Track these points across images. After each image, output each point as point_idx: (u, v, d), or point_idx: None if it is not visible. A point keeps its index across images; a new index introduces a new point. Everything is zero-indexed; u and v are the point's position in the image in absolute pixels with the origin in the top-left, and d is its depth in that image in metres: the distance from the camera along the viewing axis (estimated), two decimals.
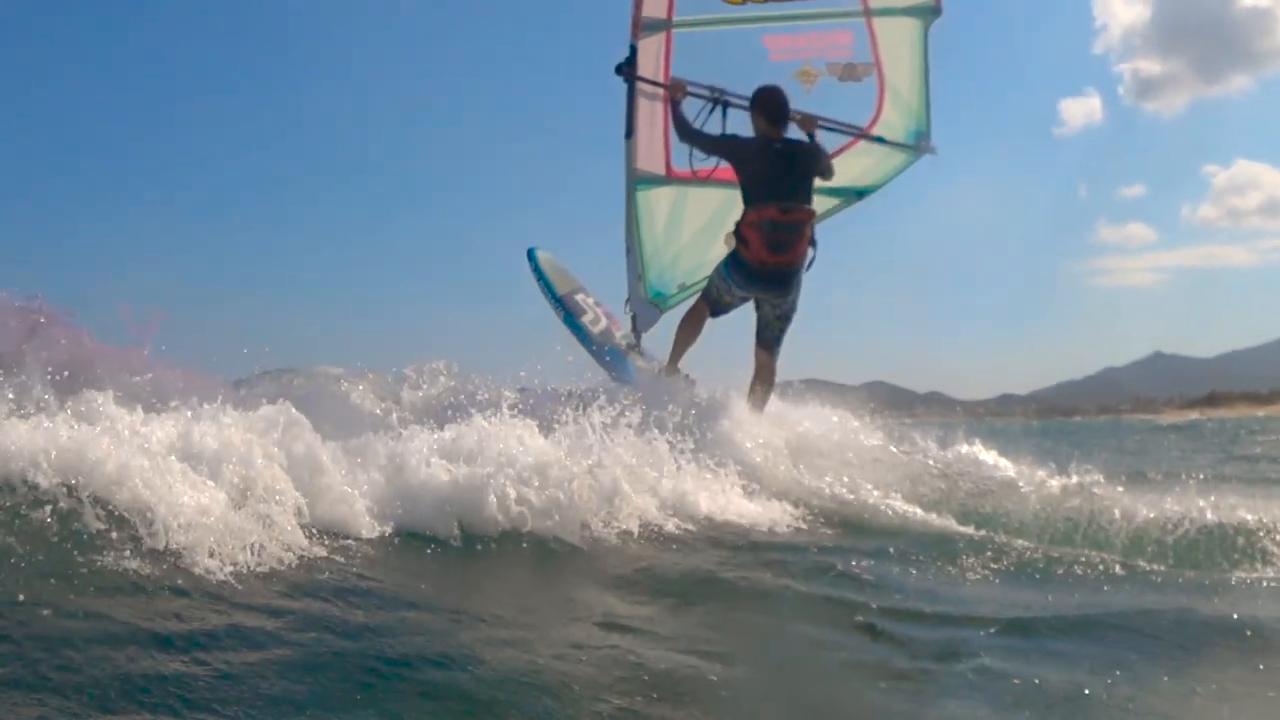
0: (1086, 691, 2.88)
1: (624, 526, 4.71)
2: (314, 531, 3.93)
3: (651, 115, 8.23)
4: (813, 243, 7.51)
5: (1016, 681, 2.92)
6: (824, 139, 7.93)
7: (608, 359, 7.93)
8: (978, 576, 4.48)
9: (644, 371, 7.97)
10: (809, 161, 7.56)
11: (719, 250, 8.07)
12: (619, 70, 8.10)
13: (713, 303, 7.71)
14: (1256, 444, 18.21)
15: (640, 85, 8.09)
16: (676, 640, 3.26)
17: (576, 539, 4.46)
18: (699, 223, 8.47)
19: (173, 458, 3.84)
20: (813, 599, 3.90)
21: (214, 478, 3.84)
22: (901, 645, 3.29)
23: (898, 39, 8.27)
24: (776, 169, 7.41)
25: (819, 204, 7.77)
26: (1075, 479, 6.79)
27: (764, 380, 7.68)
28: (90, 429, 3.90)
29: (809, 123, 7.76)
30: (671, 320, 8.31)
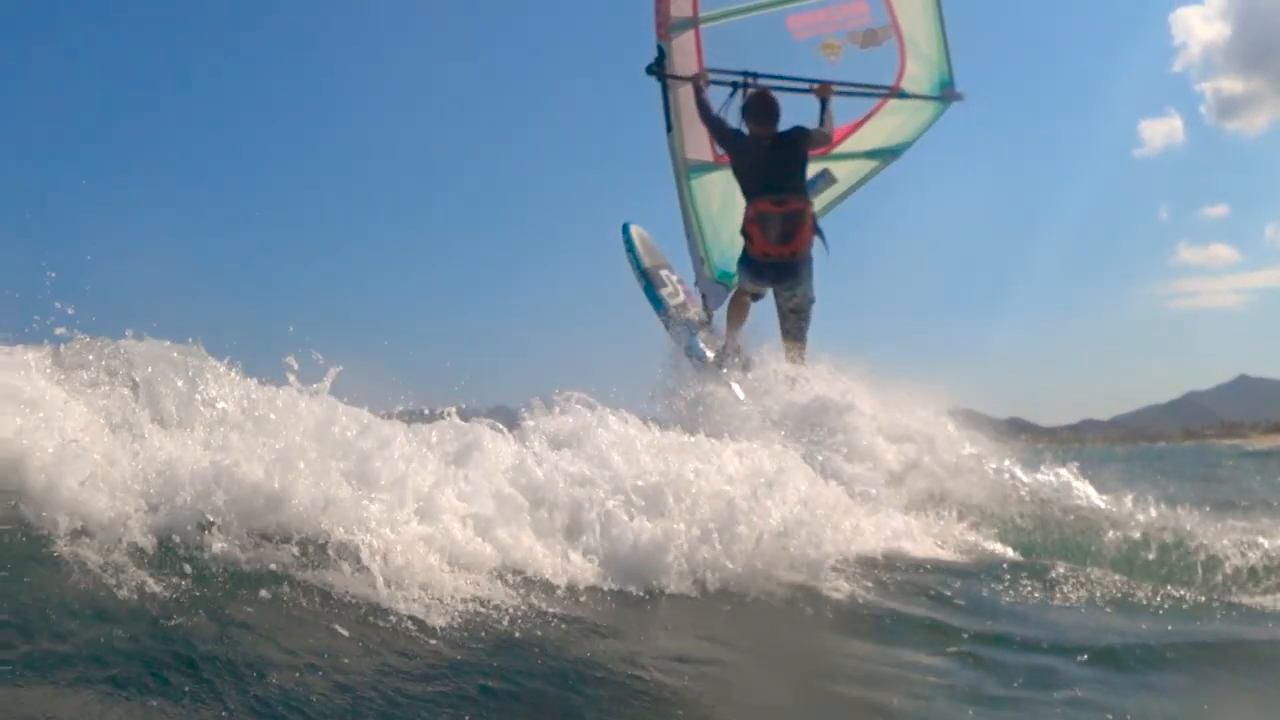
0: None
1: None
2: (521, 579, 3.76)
3: (692, 107, 8.71)
4: (818, 232, 8.11)
5: (1109, 716, 2.95)
6: (852, 106, 8.60)
7: (678, 330, 8.48)
8: (1068, 603, 4.43)
9: (708, 343, 8.48)
10: (793, 148, 8.10)
11: None
12: (650, 70, 8.66)
13: (746, 291, 8.41)
14: None
15: (677, 81, 8.63)
16: (777, 664, 3.36)
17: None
18: None
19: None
20: (907, 622, 3.95)
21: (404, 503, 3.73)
22: (995, 671, 3.31)
23: None
24: (764, 163, 8.06)
25: (855, 169, 8.56)
26: (1163, 507, 6.54)
27: (794, 363, 8.17)
28: None
29: (825, 90, 8.34)
30: None
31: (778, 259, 8.01)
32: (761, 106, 8.25)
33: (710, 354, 8.36)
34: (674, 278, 9.02)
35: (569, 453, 4.65)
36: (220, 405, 4.20)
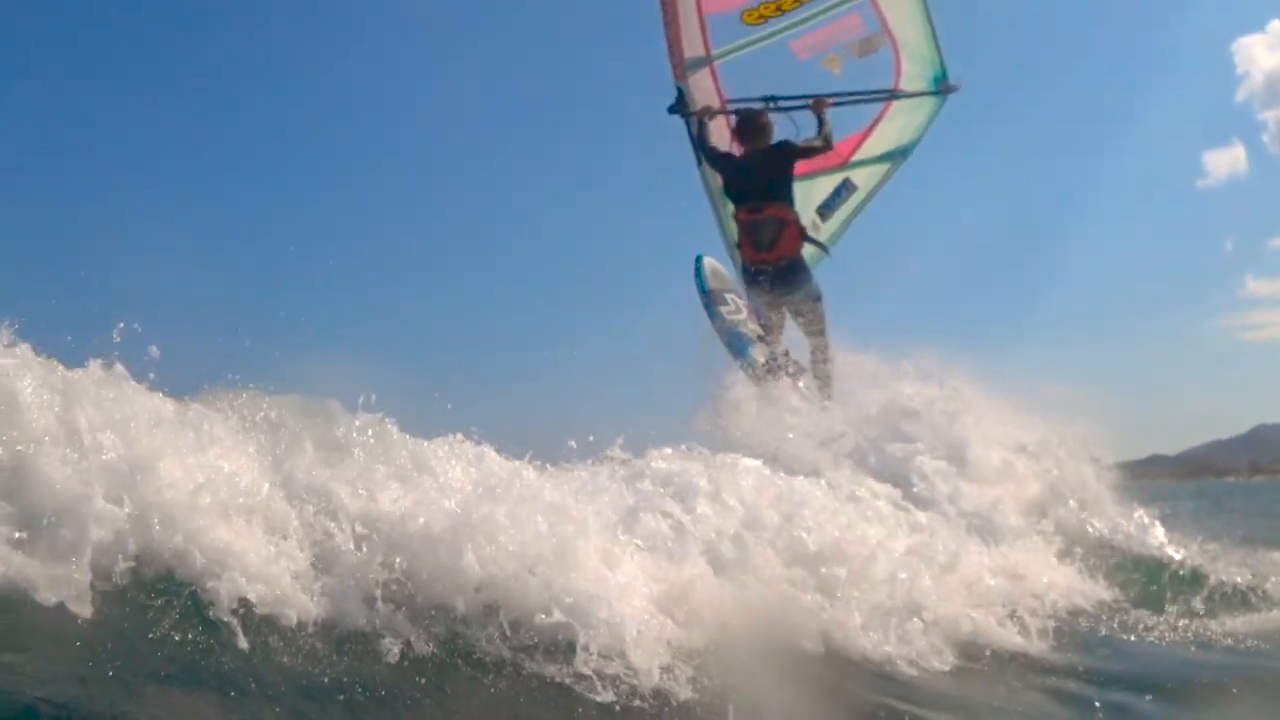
0: None
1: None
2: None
3: (723, 136, 9.50)
4: (805, 237, 8.83)
5: None
6: (856, 114, 9.47)
7: (729, 339, 9.03)
8: (1146, 641, 4.81)
9: (760, 351, 8.95)
10: (771, 163, 8.80)
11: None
12: (672, 110, 9.46)
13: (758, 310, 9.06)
14: None
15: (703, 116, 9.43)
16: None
17: None
18: None
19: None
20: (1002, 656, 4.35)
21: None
22: (1079, 706, 3.76)
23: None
24: (740, 176, 8.85)
25: (870, 174, 9.39)
26: (1229, 547, 6.78)
27: (817, 363, 8.83)
28: None
29: (819, 105, 9.05)
30: None
31: (764, 263, 8.69)
32: (744, 125, 9.04)
33: (761, 360, 8.80)
34: (739, 301, 9.41)
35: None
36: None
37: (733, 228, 9.37)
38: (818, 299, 8.82)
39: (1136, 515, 7.25)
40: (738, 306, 9.43)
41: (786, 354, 8.95)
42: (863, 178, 9.81)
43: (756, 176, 8.81)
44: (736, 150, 9.07)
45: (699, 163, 9.57)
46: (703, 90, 9.57)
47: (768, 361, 8.80)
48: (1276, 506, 17.10)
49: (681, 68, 9.49)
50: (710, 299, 9.33)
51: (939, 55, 9.58)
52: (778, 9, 9.56)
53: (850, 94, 9.35)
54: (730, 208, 9.30)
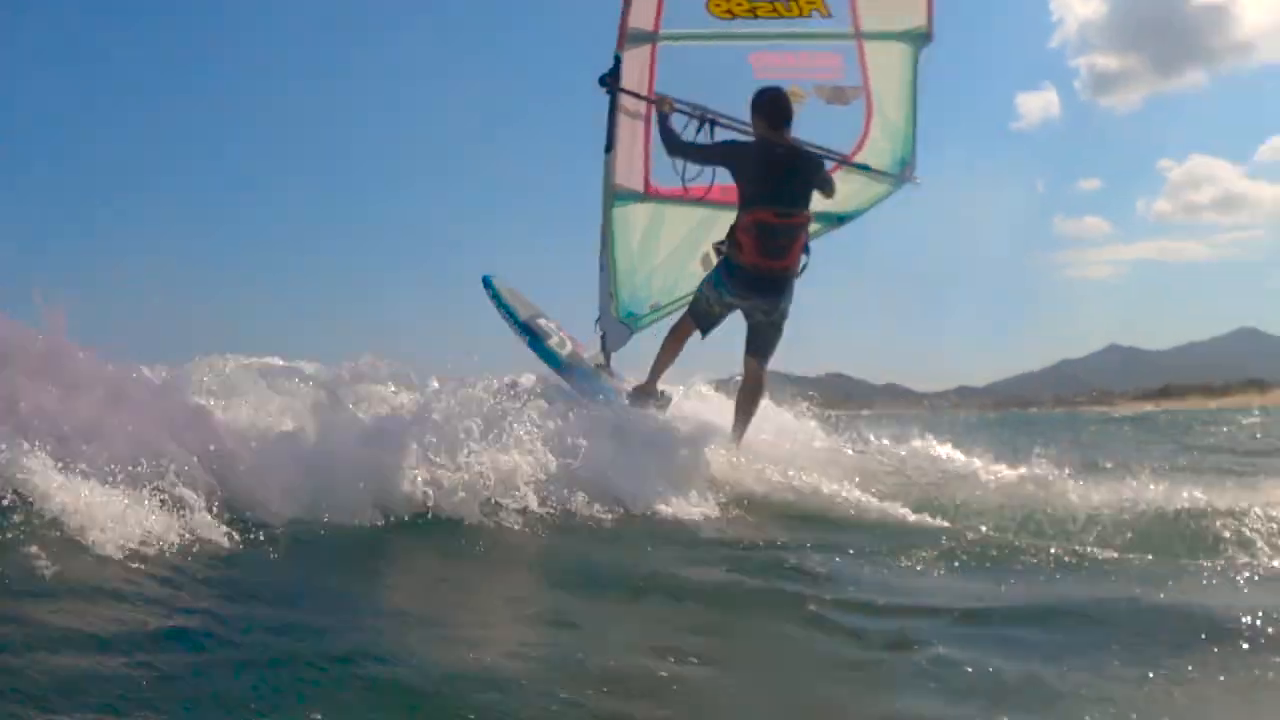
0: (1040, 679, 2.88)
1: (574, 521, 4.98)
2: (233, 519, 4.10)
3: (632, 130, 8.00)
4: (806, 249, 7.34)
5: (970, 670, 2.94)
6: None
7: (579, 380, 7.72)
8: (932, 567, 4.51)
9: (619, 391, 7.76)
10: (811, 171, 7.33)
11: (694, 269, 8.02)
12: (603, 81, 7.82)
13: (700, 317, 7.52)
14: (1209, 435, 18.43)
15: (621, 99, 7.84)
16: (626, 636, 3.26)
17: (514, 531, 4.72)
18: (675, 241, 8.30)
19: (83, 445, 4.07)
20: (765, 593, 3.90)
21: (123, 463, 4.10)
22: (855, 637, 3.29)
23: (888, 64, 8.06)
24: (777, 172, 7.17)
25: None
26: (1030, 469, 6.93)
27: (752, 390, 7.55)
28: None
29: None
30: (642, 338, 8.31)
31: (767, 271, 7.20)
32: (780, 107, 7.31)
33: (625, 400, 7.67)
34: (553, 325, 8.20)
35: None
36: None
37: (631, 243, 8.15)
38: (785, 318, 7.47)
39: (921, 442, 8.11)
40: (560, 336, 8.11)
41: (660, 392, 7.76)
42: None
43: (792, 177, 7.24)
44: (761, 135, 7.37)
45: (608, 148, 7.96)
46: (633, 70, 7.88)
47: (635, 397, 7.66)
48: (1074, 434, 17.69)
49: (624, 37, 7.78)
50: (531, 331, 7.94)
51: (912, 139, 8.22)
52: (751, 10, 7.87)
53: (816, 146, 7.71)
54: (636, 225, 8.14)
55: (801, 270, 7.33)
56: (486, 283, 8.23)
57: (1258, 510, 5.25)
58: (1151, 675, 2.91)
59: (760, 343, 7.46)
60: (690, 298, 7.75)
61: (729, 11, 7.85)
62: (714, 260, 7.57)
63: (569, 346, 8.04)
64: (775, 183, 7.16)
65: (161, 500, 4.06)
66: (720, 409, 7.92)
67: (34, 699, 2.31)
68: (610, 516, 5.47)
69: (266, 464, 4.70)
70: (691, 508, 5.87)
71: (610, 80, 7.79)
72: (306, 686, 2.50)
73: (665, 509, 5.74)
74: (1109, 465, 7.93)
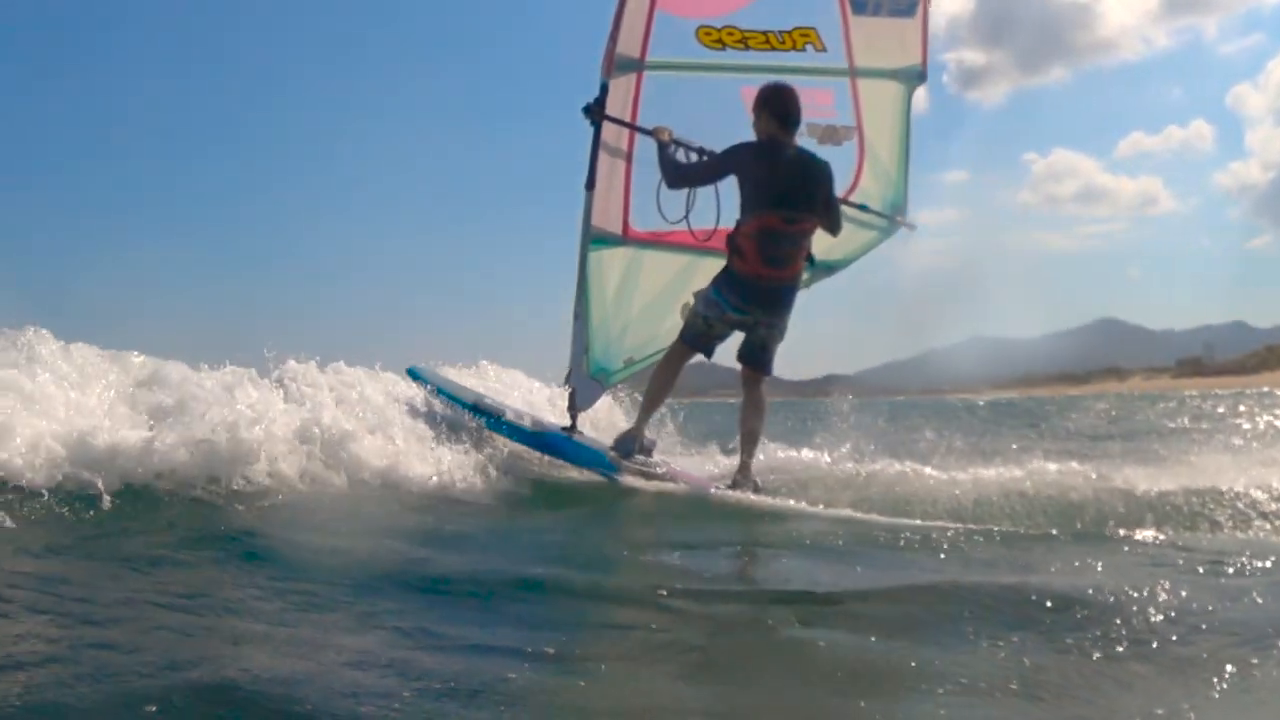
0: (891, 656, 2.90)
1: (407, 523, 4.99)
2: None
3: (611, 167, 7.45)
4: (809, 258, 6.84)
5: (823, 647, 3.00)
6: None
7: (553, 446, 7.14)
8: (787, 554, 4.61)
9: (593, 443, 7.22)
10: (822, 179, 6.79)
11: (673, 323, 7.42)
12: (587, 111, 7.28)
13: (697, 339, 6.97)
14: (1068, 420, 19.10)
15: (604, 136, 7.30)
16: (476, 637, 3.08)
17: (353, 534, 4.58)
18: (652, 292, 7.71)
19: None
20: (615, 590, 3.82)
21: None
22: (703, 623, 3.27)
23: (881, 102, 7.68)
24: (786, 175, 6.63)
25: None
26: (870, 458, 7.17)
27: (756, 408, 7.02)
28: None
29: None
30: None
31: (770, 281, 6.68)
32: (790, 106, 6.77)
33: (609, 454, 7.04)
34: (499, 403, 7.57)
35: None
36: None
37: (606, 291, 7.57)
38: (783, 332, 6.93)
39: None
40: (513, 410, 7.45)
41: (643, 438, 7.19)
42: None
43: (803, 181, 6.69)
44: (768, 135, 6.81)
45: (589, 185, 7.38)
46: (617, 100, 7.37)
47: (620, 446, 7.07)
48: (939, 421, 18.33)
49: (611, 64, 7.30)
50: (484, 411, 7.22)
51: (904, 182, 7.84)
52: (742, 41, 7.46)
53: None
54: (612, 272, 7.61)
55: (807, 284, 7.01)
56: (413, 375, 7.69)
57: (1102, 487, 5.62)
58: (1001, 646, 2.97)
59: (761, 356, 6.92)
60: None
61: (719, 42, 7.44)
62: (688, 305, 7.13)
63: (527, 419, 7.37)
64: (783, 185, 6.61)
65: None
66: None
67: None
68: (451, 512, 5.45)
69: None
70: (535, 501, 5.97)
71: (595, 110, 7.27)
72: (135, 696, 2.30)
73: (492, 503, 5.78)
74: (962, 447, 7.94)
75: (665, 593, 3.56)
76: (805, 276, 7.13)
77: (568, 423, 7.43)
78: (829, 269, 7.72)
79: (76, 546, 3.93)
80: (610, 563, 4.37)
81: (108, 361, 5.93)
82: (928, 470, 6.30)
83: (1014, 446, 8.47)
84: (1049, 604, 3.31)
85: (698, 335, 6.95)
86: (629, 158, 7.46)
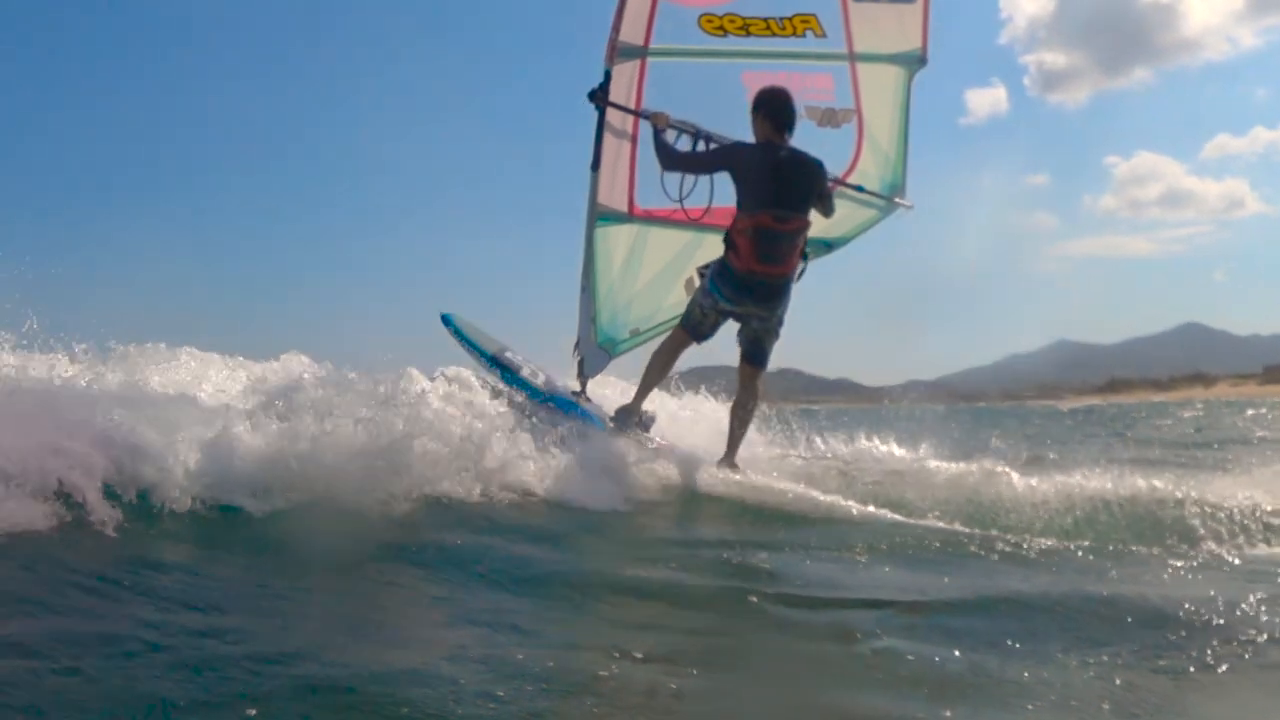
0: (983, 669, 2.88)
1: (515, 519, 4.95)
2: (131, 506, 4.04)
3: (618, 148, 7.78)
4: (804, 254, 7.15)
5: (913, 660, 2.95)
6: None
7: (559, 408, 7.48)
8: (877, 561, 4.53)
9: (602, 417, 7.57)
10: (813, 176, 7.10)
11: (677, 296, 7.83)
12: (592, 97, 7.62)
13: (695, 326, 7.29)
14: (1154, 428, 18.92)
15: (608, 117, 7.64)
16: (567, 635, 3.23)
17: (460, 532, 4.55)
18: (657, 266, 8.07)
19: None
20: (708, 590, 3.87)
21: None
22: (798, 630, 3.30)
23: (880, 86, 7.90)
24: (778, 176, 6.94)
25: None
26: (975, 464, 6.92)
27: (748, 400, 7.34)
28: None
29: None
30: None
31: (763, 277, 6.97)
32: (784, 108, 7.10)
33: (609, 424, 7.42)
34: (519, 357, 7.94)
35: None
36: None
37: (612, 265, 7.93)
38: (781, 322, 7.24)
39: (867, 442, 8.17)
40: (530, 367, 7.85)
41: (643, 412, 7.56)
42: None
43: (796, 181, 7.00)
44: (764, 138, 7.15)
45: (595, 166, 7.74)
46: (621, 85, 7.68)
47: (619, 419, 7.45)
48: (1020, 427, 18.35)
49: (614, 52, 7.61)
50: (502, 365, 7.69)
51: (903, 164, 8.06)
52: (743, 27, 7.70)
53: None
54: (618, 247, 7.92)
55: (799, 275, 7.17)
56: (446, 320, 8.05)
57: (1195, 499, 5.41)
58: (1092, 663, 2.93)
59: (757, 350, 7.24)
60: (673, 323, 7.58)
61: (721, 29, 7.67)
62: (697, 285, 7.42)
63: (541, 377, 7.78)
64: (777, 186, 6.92)
65: (66, 499, 4.00)
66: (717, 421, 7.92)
67: None
68: (552, 514, 5.45)
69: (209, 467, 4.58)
70: (631, 505, 5.86)
71: (599, 95, 7.60)
72: (237, 688, 2.42)
73: (605, 506, 5.73)
74: (1053, 456, 8.05)
75: (755, 598, 3.63)
76: (806, 253, 7.44)
77: (578, 388, 7.89)
78: (829, 246, 8.06)
79: (220, 546, 4.03)
80: (699, 565, 4.34)
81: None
82: (1016, 478, 6.22)
83: (1102, 456, 8.14)
84: (1142, 620, 3.28)
85: (695, 323, 7.30)
86: (634, 139, 7.80)
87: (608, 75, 7.60)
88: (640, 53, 7.66)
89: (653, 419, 7.60)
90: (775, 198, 6.90)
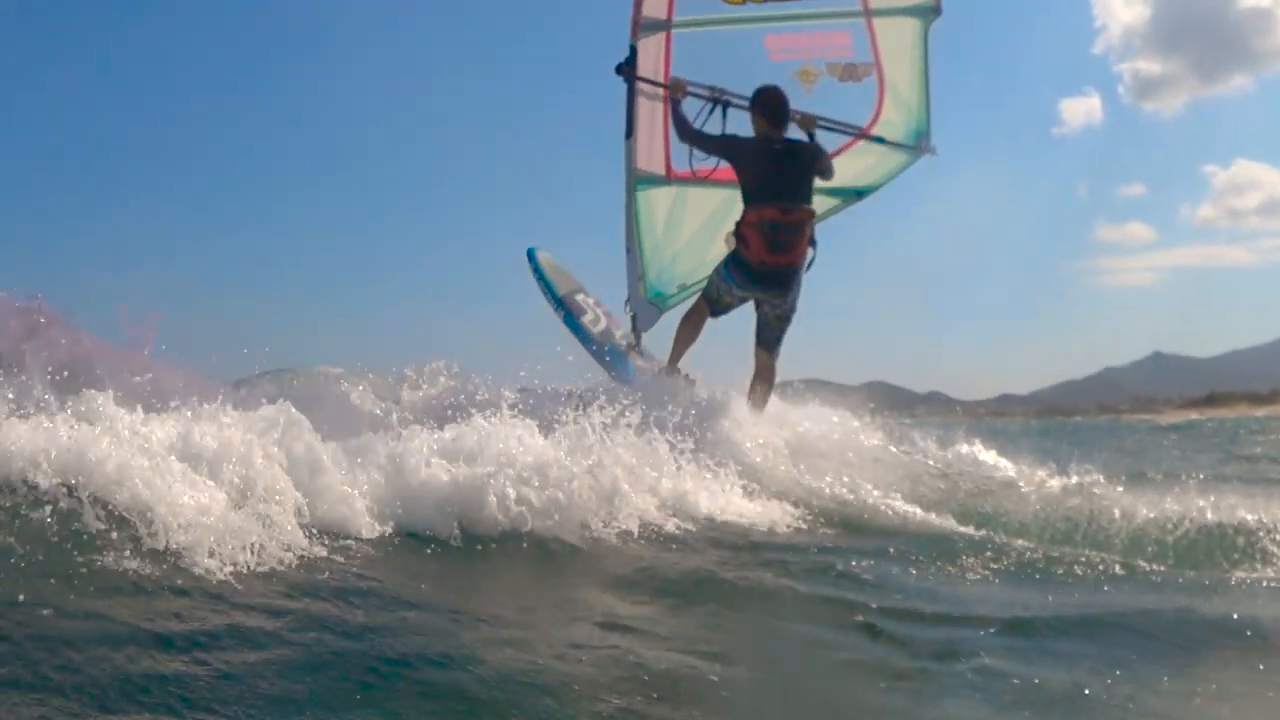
0: (1086, 691, 2.86)
1: (624, 526, 4.66)
2: (314, 531, 3.88)
3: (651, 115, 8.25)
4: (813, 242, 7.58)
5: (1016, 681, 2.91)
6: (824, 139, 7.94)
7: (608, 359, 8.00)
8: (978, 576, 4.45)
9: (644, 371, 8.03)
10: (808, 161, 7.57)
11: (718, 250, 8.20)
12: (619, 70, 8.11)
13: (712, 303, 7.77)
14: (1256, 443, 17.78)
15: (640, 85, 8.10)
16: (676, 640, 3.23)
17: (576, 539, 4.42)
18: (698, 223, 8.54)
19: (172, 458, 3.77)
20: (812, 599, 3.87)
21: (214, 478, 3.79)
22: (901, 645, 3.28)
23: (898, 39, 8.24)
24: (776, 169, 7.44)
25: (818, 204, 7.80)
26: (1075, 479, 6.86)
27: (764, 380, 7.76)
28: (90, 429, 3.81)
29: (809, 122, 7.77)
30: (671, 319, 8.42)
31: (774, 266, 7.46)
32: (777, 105, 7.59)
33: (659, 375, 7.90)
34: (590, 301, 8.48)
35: None
36: None
37: (655, 226, 8.40)
38: (795, 309, 7.71)
39: (968, 448, 7.99)
40: (596, 313, 8.40)
41: (682, 372, 7.96)
42: None
43: (792, 173, 7.50)
44: (761, 133, 7.64)
45: (629, 134, 8.25)
46: (649, 58, 8.16)
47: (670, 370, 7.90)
48: (1118, 442, 17.38)
49: (639, 26, 8.06)
50: (568, 308, 8.23)
51: (925, 112, 8.40)
52: None
53: (826, 119, 7.94)
54: (660, 208, 8.34)
55: (809, 264, 7.57)
56: (530, 255, 8.53)
57: None
58: (1197, 689, 2.91)
59: (769, 335, 7.71)
60: None
61: None
62: (734, 241, 7.81)
63: (603, 324, 8.31)
64: (777, 179, 7.43)
65: (239, 505, 3.83)
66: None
67: (92, 695, 2.33)
68: (659, 518, 5.18)
69: (350, 478, 4.36)
70: (741, 510, 5.65)
71: (626, 69, 8.07)
72: (360, 687, 2.52)
73: (715, 510, 5.50)
74: (1155, 475, 7.88)
75: (856, 610, 3.62)
76: (836, 203, 7.91)
77: (634, 341, 8.45)
78: (859, 194, 8.58)
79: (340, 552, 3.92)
80: (807, 574, 4.29)
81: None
82: (1125, 498, 6.02)
83: (1203, 475, 7.92)
84: (1253, 647, 3.23)
85: (713, 299, 7.78)
86: (666, 104, 8.21)
87: (632, 49, 8.06)
88: (664, 25, 8.12)
89: (694, 381, 7.98)
90: (778, 190, 7.43)
